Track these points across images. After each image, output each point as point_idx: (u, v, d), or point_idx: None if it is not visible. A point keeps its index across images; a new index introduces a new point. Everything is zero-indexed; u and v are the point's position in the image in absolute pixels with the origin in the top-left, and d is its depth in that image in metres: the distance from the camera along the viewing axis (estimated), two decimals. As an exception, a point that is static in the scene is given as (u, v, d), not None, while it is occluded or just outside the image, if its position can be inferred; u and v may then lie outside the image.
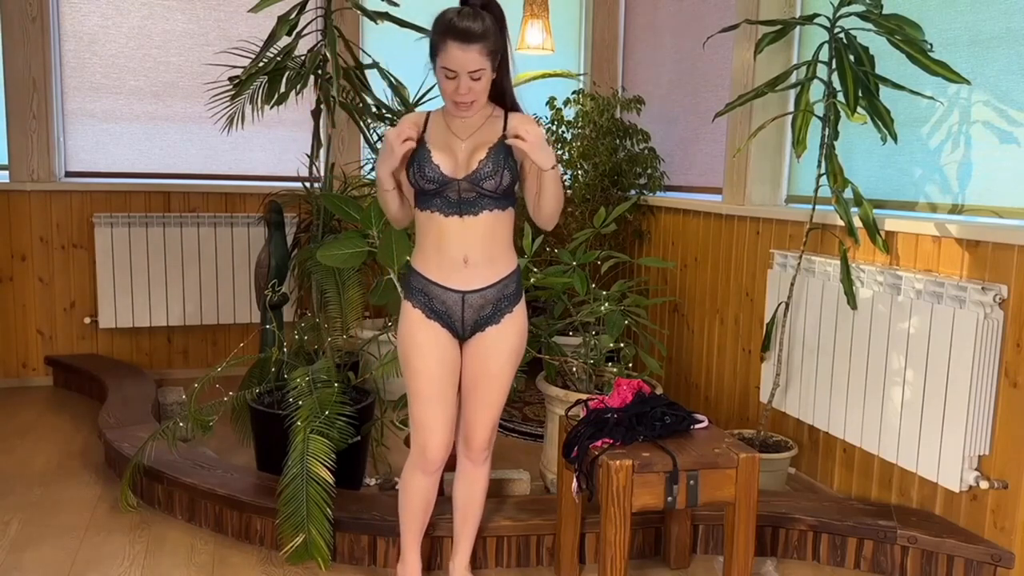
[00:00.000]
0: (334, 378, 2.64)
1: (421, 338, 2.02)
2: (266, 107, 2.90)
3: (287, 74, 2.86)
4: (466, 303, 2.00)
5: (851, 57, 2.56)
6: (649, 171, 4.12)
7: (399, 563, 2.25)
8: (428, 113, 2.04)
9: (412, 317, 2.03)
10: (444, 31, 1.84)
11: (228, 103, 2.96)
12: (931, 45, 2.38)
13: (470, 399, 2.10)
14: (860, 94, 2.50)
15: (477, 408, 2.10)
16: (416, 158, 1.96)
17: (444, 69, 1.87)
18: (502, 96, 2.00)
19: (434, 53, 1.90)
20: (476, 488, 2.20)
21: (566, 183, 4.21)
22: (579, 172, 4.13)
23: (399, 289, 2.67)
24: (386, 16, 2.85)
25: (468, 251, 1.98)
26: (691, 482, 2.04)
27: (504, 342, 2.05)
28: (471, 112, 1.95)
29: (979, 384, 2.28)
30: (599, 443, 2.10)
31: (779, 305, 2.92)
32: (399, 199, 2.04)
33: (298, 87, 2.86)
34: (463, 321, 2.02)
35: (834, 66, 2.60)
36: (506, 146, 1.95)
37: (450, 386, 2.05)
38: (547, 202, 1.97)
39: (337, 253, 2.60)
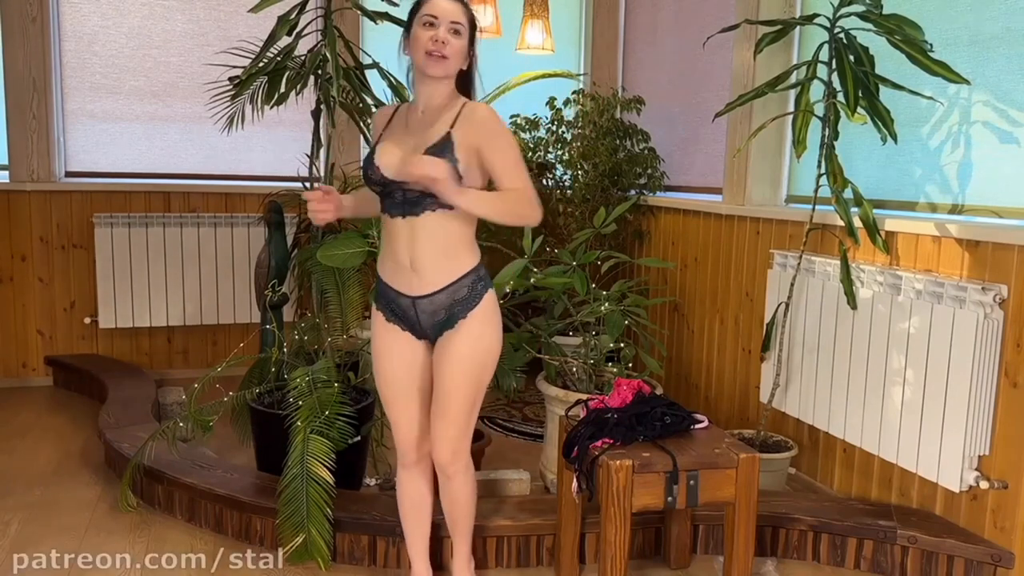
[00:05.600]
0: (334, 378, 2.64)
1: (380, 342, 2.05)
2: (266, 107, 2.90)
3: (287, 74, 2.86)
4: (418, 308, 1.96)
5: (851, 57, 2.56)
6: (649, 171, 4.12)
7: (411, 572, 2.25)
8: (397, 106, 2.06)
9: (376, 320, 2.05)
10: None
11: (228, 103, 2.96)
12: (931, 45, 2.38)
13: (432, 409, 2.03)
14: (860, 94, 2.49)
15: (434, 419, 2.02)
16: (367, 158, 1.97)
17: (426, 16, 1.87)
18: (468, 91, 2.00)
19: (413, 13, 1.91)
20: (456, 498, 2.12)
21: (566, 183, 4.21)
22: (579, 172, 4.13)
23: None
24: (386, 16, 2.85)
25: (413, 254, 1.92)
26: (691, 482, 2.04)
27: (457, 350, 1.95)
28: (441, 71, 1.89)
29: (979, 384, 2.27)
30: (599, 443, 2.10)
31: (779, 305, 2.92)
32: (357, 205, 2.10)
33: (298, 87, 2.85)
34: (420, 324, 1.99)
35: (834, 66, 2.60)
36: (450, 142, 1.87)
37: (413, 388, 2.05)
38: (491, 218, 1.90)
39: (337, 253, 2.60)
